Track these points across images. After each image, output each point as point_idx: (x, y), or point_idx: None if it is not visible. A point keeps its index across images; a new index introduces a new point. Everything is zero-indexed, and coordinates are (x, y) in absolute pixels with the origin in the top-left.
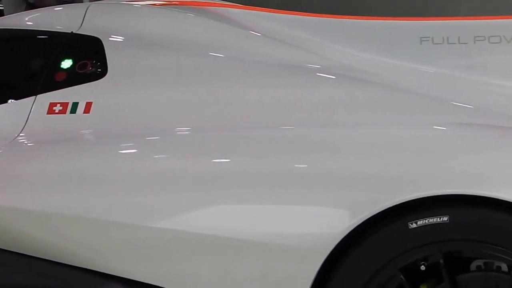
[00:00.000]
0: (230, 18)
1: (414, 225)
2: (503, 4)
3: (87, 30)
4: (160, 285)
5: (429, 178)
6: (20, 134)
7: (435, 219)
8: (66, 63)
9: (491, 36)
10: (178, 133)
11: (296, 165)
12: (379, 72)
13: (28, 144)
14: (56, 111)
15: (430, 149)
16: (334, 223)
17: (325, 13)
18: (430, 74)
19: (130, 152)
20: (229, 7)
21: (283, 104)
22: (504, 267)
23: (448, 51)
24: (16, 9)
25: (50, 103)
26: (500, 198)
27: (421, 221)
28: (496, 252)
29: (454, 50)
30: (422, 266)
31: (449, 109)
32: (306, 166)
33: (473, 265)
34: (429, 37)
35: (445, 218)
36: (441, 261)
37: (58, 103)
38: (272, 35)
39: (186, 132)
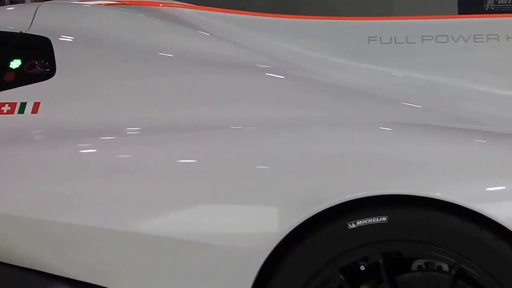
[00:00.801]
0: (180, 18)
1: (353, 225)
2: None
3: (36, 30)
4: (101, 284)
5: (368, 179)
6: None
7: (374, 220)
8: (15, 63)
9: (438, 36)
10: (128, 132)
11: (235, 165)
12: (328, 72)
13: None
14: (4, 111)
15: (371, 149)
16: (274, 223)
17: (275, 13)
18: (378, 73)
19: (79, 152)
20: (179, 7)
21: (230, 102)
22: (445, 267)
23: (396, 51)
24: None
25: None
26: (438, 198)
27: (360, 221)
28: (435, 252)
29: (402, 49)
30: (362, 266)
31: (396, 109)
32: (245, 166)
33: (415, 265)
34: (377, 36)
35: (384, 219)
36: (380, 261)
37: (6, 103)
38: (221, 35)
39: (135, 132)
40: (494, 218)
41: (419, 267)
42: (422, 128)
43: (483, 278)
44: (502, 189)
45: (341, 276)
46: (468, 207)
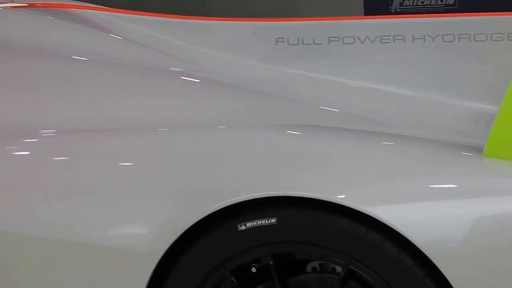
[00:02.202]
0: (91, 21)
1: (243, 227)
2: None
3: None
4: None
5: (257, 180)
6: None
7: (263, 221)
8: None
9: (345, 37)
10: (29, 131)
11: (130, 164)
12: (236, 74)
13: None
14: None
15: (266, 151)
16: (165, 226)
17: (185, 15)
18: (286, 75)
19: None
20: (90, 9)
21: (141, 105)
22: (339, 268)
23: (303, 52)
24: None
25: None
26: (327, 200)
27: (250, 223)
28: (326, 253)
29: (309, 50)
30: (253, 268)
31: (303, 111)
32: (140, 165)
33: (309, 267)
34: (284, 38)
35: (273, 220)
36: (271, 262)
37: None
38: (133, 37)
39: (38, 131)
40: (382, 220)
41: (314, 268)
42: (326, 130)
43: (372, 280)
44: (392, 191)
45: (233, 278)
46: (355, 208)
